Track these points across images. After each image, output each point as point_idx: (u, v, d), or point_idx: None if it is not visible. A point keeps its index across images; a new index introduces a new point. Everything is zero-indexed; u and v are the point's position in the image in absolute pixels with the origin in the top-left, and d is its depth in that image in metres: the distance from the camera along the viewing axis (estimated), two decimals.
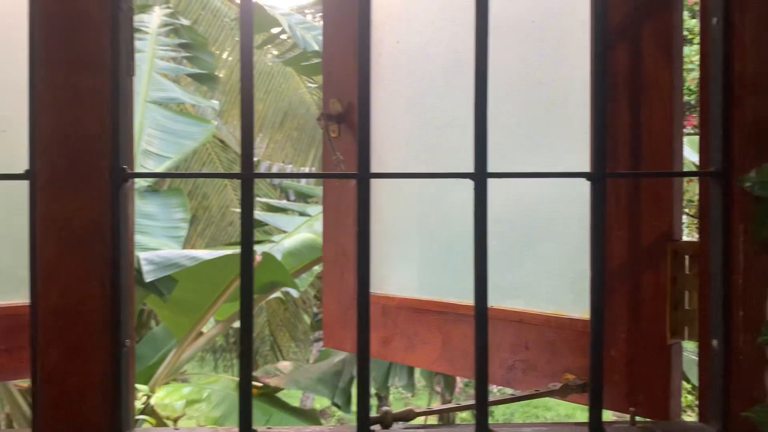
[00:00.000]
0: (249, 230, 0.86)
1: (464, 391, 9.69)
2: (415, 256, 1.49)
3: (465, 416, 9.25)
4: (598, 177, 0.91)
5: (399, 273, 1.50)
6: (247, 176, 0.89)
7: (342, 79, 1.54)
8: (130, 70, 0.92)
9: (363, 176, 0.90)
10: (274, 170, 9.40)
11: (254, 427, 0.91)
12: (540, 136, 1.19)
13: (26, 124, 0.88)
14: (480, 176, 0.89)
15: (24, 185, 0.89)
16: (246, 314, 0.86)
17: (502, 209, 1.20)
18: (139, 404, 3.23)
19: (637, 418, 0.98)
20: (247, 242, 0.86)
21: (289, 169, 8.99)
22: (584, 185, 1.13)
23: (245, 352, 0.86)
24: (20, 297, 1.24)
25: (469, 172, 0.90)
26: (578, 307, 1.16)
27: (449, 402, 7.49)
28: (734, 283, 0.92)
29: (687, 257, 1.03)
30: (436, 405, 1.07)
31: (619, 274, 1.07)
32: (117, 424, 0.87)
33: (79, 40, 0.85)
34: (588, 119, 1.11)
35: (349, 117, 1.52)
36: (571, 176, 0.98)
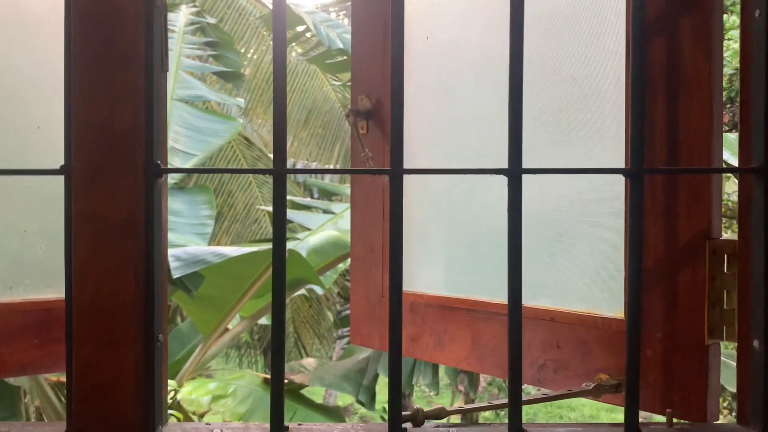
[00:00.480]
0: (281, 225, 0.86)
1: (487, 390, 9.64)
2: (444, 254, 1.48)
3: (487, 416, 9.20)
4: (636, 173, 0.89)
5: (428, 270, 1.49)
6: (280, 172, 0.88)
7: (370, 75, 1.53)
8: (164, 65, 0.92)
9: (396, 172, 0.89)
10: (299, 168, 9.44)
11: (285, 423, 0.91)
12: (573, 132, 1.18)
13: (61, 120, 0.88)
14: (514, 172, 0.88)
15: (59, 180, 0.90)
16: (278, 310, 0.86)
17: (534, 206, 1.19)
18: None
19: (674, 420, 0.96)
20: (279, 237, 0.86)
21: (314, 166, 9.02)
22: (618, 182, 1.11)
23: (278, 347, 0.85)
24: (52, 292, 1.26)
25: (503, 168, 0.89)
26: (612, 306, 1.14)
27: (473, 401, 7.46)
28: None
29: (726, 256, 1.00)
30: (468, 404, 1.06)
31: (655, 273, 1.05)
32: (150, 418, 0.87)
33: (114, 35, 0.86)
34: (622, 115, 1.09)
35: (377, 113, 1.51)
36: (608, 172, 0.97)
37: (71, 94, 0.86)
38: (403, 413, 0.92)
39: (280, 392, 0.89)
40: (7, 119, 1.25)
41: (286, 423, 0.90)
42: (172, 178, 4.78)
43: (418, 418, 0.94)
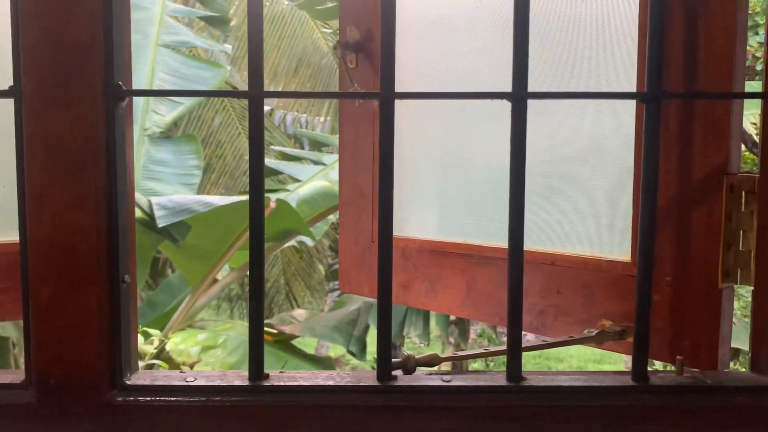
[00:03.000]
0: (259, 152, 0.77)
1: (477, 342, 9.70)
2: (437, 197, 1.39)
3: (477, 365, 9.29)
4: (653, 97, 0.80)
5: (420, 214, 1.41)
6: (256, 95, 0.79)
7: (360, 4, 1.42)
8: None
9: (386, 96, 0.80)
10: (288, 120, 9.26)
11: (267, 371, 0.84)
12: (582, 60, 1.08)
13: (8, 34, 0.78)
14: (519, 96, 0.79)
15: (9, 104, 0.80)
16: (256, 247, 0.78)
17: (533, 146, 1.10)
18: (153, 349, 3.22)
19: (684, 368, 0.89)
20: (256, 165, 0.77)
21: (304, 118, 8.86)
22: (626, 116, 1.02)
23: (255, 290, 0.77)
24: (16, 234, 1.17)
25: (506, 91, 0.80)
26: (617, 248, 1.06)
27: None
28: None
29: (744, 193, 0.92)
30: (461, 351, 0.98)
31: (665, 212, 0.97)
32: (117, 365, 0.80)
33: None
34: (635, 40, 1.00)
35: (367, 45, 1.40)
36: (623, 97, 0.88)
37: (17, 3, 0.76)
38: (393, 360, 0.85)
39: (260, 337, 0.81)
40: None
41: (267, 370, 0.83)
42: (157, 127, 4.65)
43: (409, 365, 0.87)
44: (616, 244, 1.07)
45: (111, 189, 0.79)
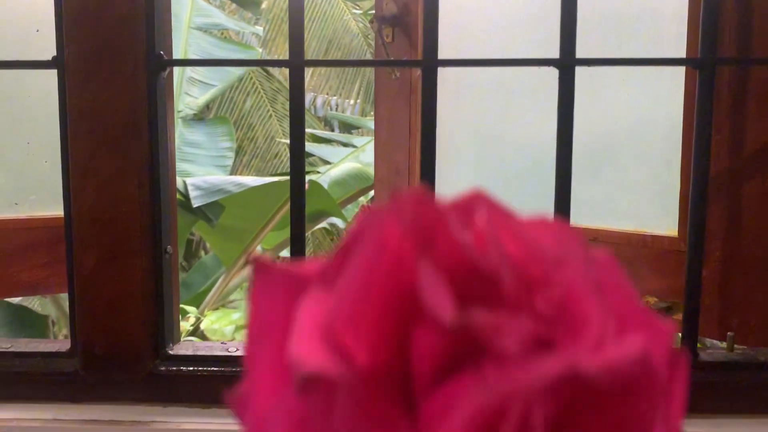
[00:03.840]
0: (300, 121, 0.76)
1: None
2: (475, 173, 1.37)
3: None
4: (707, 63, 0.77)
5: (457, 191, 1.39)
6: (297, 63, 0.78)
7: None
8: None
9: (430, 64, 0.78)
10: (319, 103, 9.26)
11: None
12: (627, 26, 1.04)
13: (50, 4, 0.78)
14: (567, 62, 0.76)
15: (53, 75, 0.80)
16: (297, 207, 0.77)
17: (576, 115, 1.07)
18: (188, 326, 3.27)
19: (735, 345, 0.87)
20: (298, 136, 0.76)
21: (334, 101, 8.85)
22: (674, 85, 0.99)
23: (297, 252, 0.77)
24: (59, 208, 1.18)
25: (553, 58, 0.77)
26: (663, 222, 1.03)
27: None
28: None
29: None
30: None
31: (716, 184, 0.94)
32: (159, 335, 0.80)
33: None
34: (685, 4, 0.96)
35: (404, 19, 1.38)
36: (675, 63, 0.85)
37: None
38: None
39: None
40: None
41: None
42: (190, 109, 4.69)
43: None
44: (661, 219, 1.04)
45: (153, 159, 0.79)
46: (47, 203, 1.19)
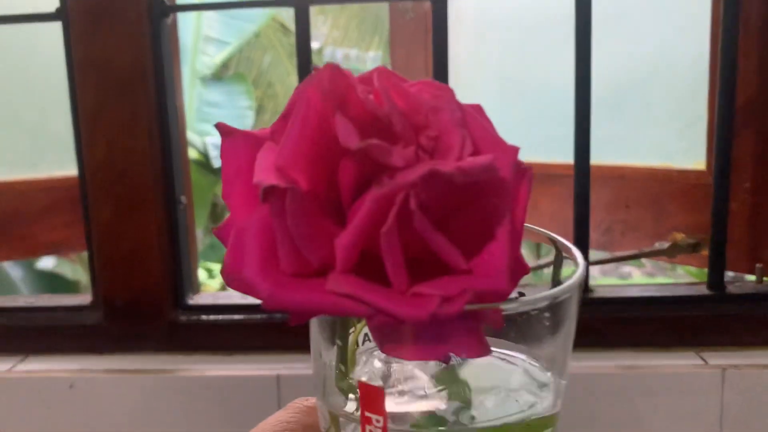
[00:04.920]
0: (306, 64, 0.74)
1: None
2: (496, 117, 1.34)
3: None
4: None
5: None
6: (302, 4, 0.75)
7: None
8: None
9: None
10: (339, 57, 9.14)
11: None
12: None
13: None
14: None
15: (57, 28, 0.79)
16: None
17: (598, 48, 1.03)
18: (217, 285, 3.31)
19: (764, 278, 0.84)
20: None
21: (353, 53, 8.73)
22: (701, 10, 0.94)
23: None
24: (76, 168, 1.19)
25: None
26: (689, 156, 1.00)
27: None
28: None
29: None
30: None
31: (745, 114, 0.90)
32: (179, 285, 0.80)
33: None
34: None
35: None
36: None
37: None
38: None
39: None
40: None
41: None
42: (208, 68, 4.66)
43: None
44: (687, 152, 1.00)
45: (161, 108, 0.77)
46: (65, 163, 1.19)
